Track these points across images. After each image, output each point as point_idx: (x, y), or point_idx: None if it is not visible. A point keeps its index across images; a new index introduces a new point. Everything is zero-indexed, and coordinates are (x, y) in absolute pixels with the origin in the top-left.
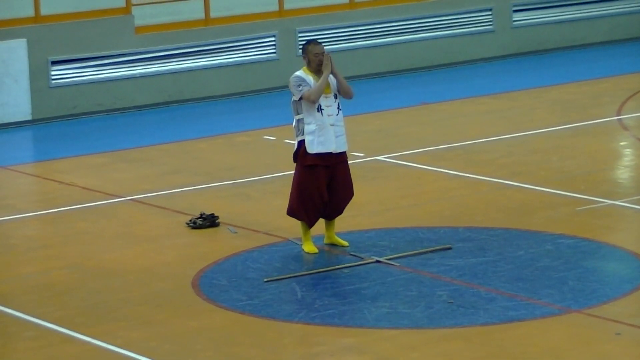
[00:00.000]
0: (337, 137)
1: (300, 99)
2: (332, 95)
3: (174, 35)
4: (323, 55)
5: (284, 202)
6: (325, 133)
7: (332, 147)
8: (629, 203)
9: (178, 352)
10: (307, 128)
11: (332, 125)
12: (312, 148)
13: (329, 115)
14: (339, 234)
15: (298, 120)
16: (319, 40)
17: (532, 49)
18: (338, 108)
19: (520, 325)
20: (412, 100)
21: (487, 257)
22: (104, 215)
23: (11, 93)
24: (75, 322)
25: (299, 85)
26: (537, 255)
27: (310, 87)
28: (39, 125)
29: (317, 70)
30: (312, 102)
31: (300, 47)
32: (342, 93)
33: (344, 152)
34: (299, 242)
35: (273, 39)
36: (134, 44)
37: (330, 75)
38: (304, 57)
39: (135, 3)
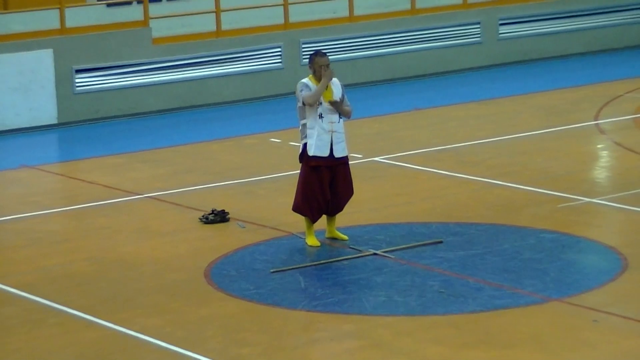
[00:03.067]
0: (336, 143)
1: (304, 104)
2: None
3: (187, 46)
4: (328, 67)
5: (289, 199)
6: (323, 139)
7: (327, 153)
8: (606, 201)
9: (190, 337)
10: (309, 132)
11: (332, 131)
12: (310, 151)
13: (330, 122)
14: (339, 229)
15: (303, 125)
16: (323, 51)
17: (516, 59)
18: (339, 116)
19: (505, 312)
20: (407, 106)
21: (475, 250)
22: (123, 211)
23: (39, 99)
24: (95, 310)
25: (302, 90)
26: (522, 249)
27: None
28: (64, 129)
29: (321, 80)
30: (308, 104)
31: (304, 57)
32: (341, 114)
33: (345, 155)
34: (303, 236)
35: (279, 49)
36: (151, 54)
37: (335, 86)
38: (310, 67)
39: (152, 16)
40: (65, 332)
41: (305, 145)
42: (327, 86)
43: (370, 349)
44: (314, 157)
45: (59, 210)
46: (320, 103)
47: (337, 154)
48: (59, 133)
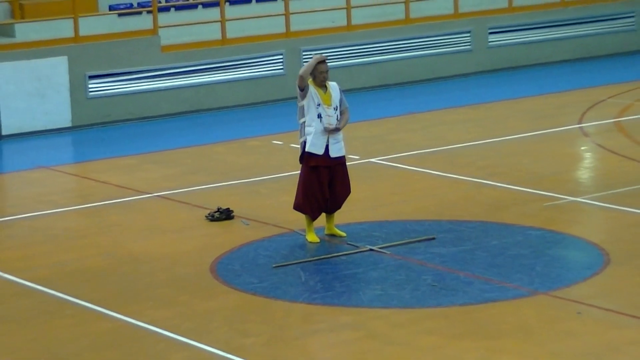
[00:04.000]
0: (333, 143)
1: (301, 90)
2: (332, 108)
3: (194, 53)
4: (327, 73)
5: (290, 198)
6: (319, 137)
7: (322, 151)
8: (589, 200)
9: (197, 328)
10: (307, 130)
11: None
12: (307, 147)
13: (328, 124)
14: (337, 226)
15: (302, 124)
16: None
17: (505, 66)
18: (337, 119)
19: (494, 305)
20: (401, 110)
21: (466, 246)
22: (134, 209)
23: (54, 103)
24: (108, 302)
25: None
26: (510, 245)
27: (312, 93)
28: (77, 131)
29: (321, 85)
30: (299, 76)
31: (305, 64)
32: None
33: (343, 156)
34: (303, 233)
35: (280, 56)
36: (160, 61)
37: (333, 91)
38: (310, 73)
39: (161, 25)
40: (79, 323)
41: (304, 143)
42: (317, 63)
43: (366, 339)
44: (313, 156)
45: (73, 208)
46: (319, 104)
47: (334, 153)
48: (73, 136)
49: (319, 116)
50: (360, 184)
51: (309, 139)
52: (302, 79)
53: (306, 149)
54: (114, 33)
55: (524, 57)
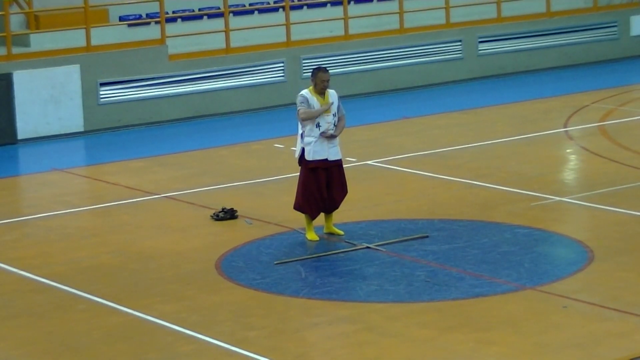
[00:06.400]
0: (331, 147)
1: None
2: (331, 114)
3: (200, 62)
4: (328, 82)
5: (291, 199)
6: (320, 144)
7: (325, 156)
8: (574, 199)
9: (203, 322)
10: (306, 139)
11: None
12: (309, 156)
13: (327, 130)
14: (335, 225)
15: (301, 133)
16: (325, 67)
17: (494, 73)
18: (334, 125)
19: (484, 299)
20: (396, 115)
21: (457, 244)
22: (143, 209)
23: (67, 109)
24: (119, 297)
25: (301, 103)
26: (499, 242)
27: (309, 108)
28: (90, 136)
29: (320, 92)
30: (300, 120)
31: (304, 71)
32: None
33: (340, 158)
34: (303, 232)
35: (282, 64)
36: (168, 69)
37: (331, 96)
38: (312, 80)
39: (168, 35)
40: (92, 317)
41: (303, 150)
42: (319, 71)
43: (363, 332)
44: (313, 159)
45: (86, 208)
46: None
47: (331, 157)
48: (85, 140)
49: (318, 125)
50: (357, 185)
51: (309, 148)
52: (302, 119)
53: (311, 158)
54: (124, 43)
55: (512, 64)
